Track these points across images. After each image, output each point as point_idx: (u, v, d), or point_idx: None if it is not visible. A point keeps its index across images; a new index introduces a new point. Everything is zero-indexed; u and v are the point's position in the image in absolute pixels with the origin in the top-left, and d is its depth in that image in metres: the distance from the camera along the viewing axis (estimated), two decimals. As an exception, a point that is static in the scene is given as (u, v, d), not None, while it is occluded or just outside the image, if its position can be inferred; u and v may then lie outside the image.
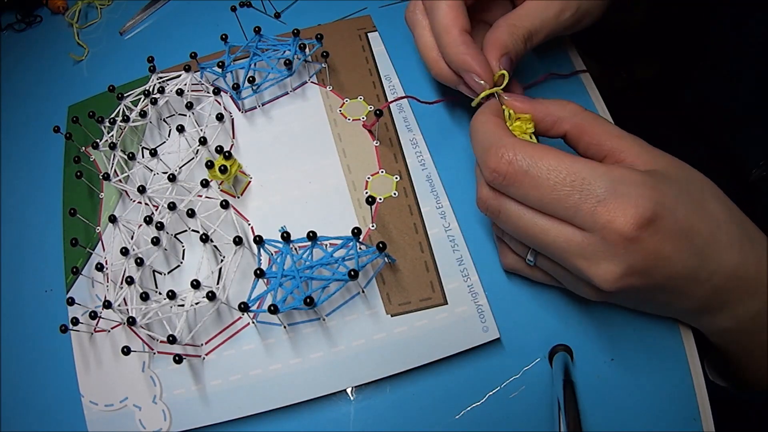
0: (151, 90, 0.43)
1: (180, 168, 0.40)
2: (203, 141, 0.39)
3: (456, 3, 0.33)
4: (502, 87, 0.33)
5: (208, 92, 0.43)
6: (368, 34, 0.45)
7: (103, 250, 0.39)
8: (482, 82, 0.32)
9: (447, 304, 0.34)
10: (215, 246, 0.37)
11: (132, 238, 0.37)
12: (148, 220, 0.36)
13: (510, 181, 0.27)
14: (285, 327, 0.34)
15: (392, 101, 0.40)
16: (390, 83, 0.43)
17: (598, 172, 0.26)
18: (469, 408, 0.32)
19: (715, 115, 0.46)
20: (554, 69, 0.42)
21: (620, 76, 0.63)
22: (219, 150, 0.37)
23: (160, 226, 0.36)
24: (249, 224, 0.38)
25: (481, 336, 0.33)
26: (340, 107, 0.42)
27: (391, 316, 0.34)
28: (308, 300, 0.31)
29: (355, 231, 0.33)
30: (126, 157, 0.40)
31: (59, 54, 0.51)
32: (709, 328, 0.32)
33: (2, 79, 0.51)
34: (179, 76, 0.43)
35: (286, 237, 0.34)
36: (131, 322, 0.33)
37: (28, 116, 0.48)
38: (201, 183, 0.37)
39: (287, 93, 0.43)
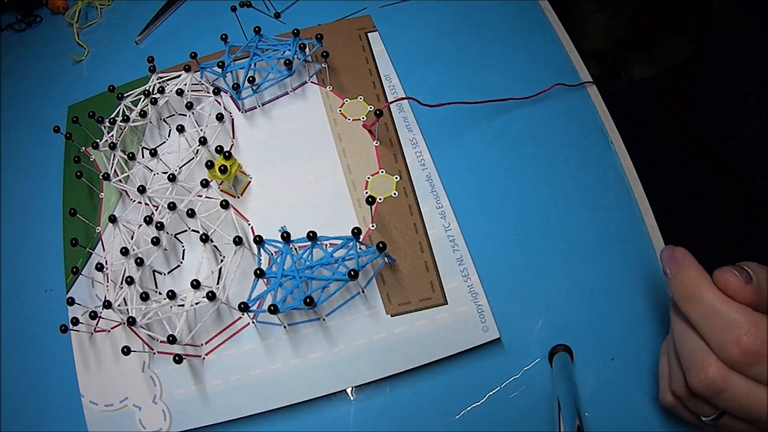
0: (151, 90, 0.43)
1: (180, 168, 0.40)
2: (203, 141, 0.39)
3: None
4: None
5: (208, 92, 0.43)
6: (368, 34, 0.45)
7: (103, 250, 0.39)
8: None
9: (447, 304, 0.34)
10: (215, 246, 0.37)
11: (132, 238, 0.37)
12: (148, 220, 0.36)
13: (756, 358, 0.26)
14: (285, 327, 0.34)
15: (392, 102, 0.40)
16: (390, 83, 0.43)
17: None
18: (469, 408, 0.32)
19: (712, 119, 0.46)
20: (561, 78, 0.42)
21: (620, 76, 0.63)
22: (219, 150, 0.37)
23: (160, 226, 0.36)
24: (249, 224, 0.38)
25: (481, 336, 0.33)
26: (340, 107, 0.42)
27: (391, 316, 0.34)
28: (308, 300, 0.31)
29: (355, 231, 0.33)
30: (126, 157, 0.40)
31: (59, 54, 0.51)
32: None
33: (2, 79, 0.51)
34: (179, 76, 0.43)
35: (286, 237, 0.34)
36: (131, 322, 0.33)
37: (28, 116, 0.48)
38: (201, 183, 0.37)
39: (287, 93, 0.43)
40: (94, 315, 0.34)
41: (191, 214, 0.35)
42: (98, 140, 0.41)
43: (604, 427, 0.32)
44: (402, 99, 0.40)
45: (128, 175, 0.40)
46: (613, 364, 0.33)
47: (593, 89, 0.42)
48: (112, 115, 0.42)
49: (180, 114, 0.43)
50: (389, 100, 0.41)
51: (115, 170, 0.40)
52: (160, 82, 0.43)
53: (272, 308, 0.31)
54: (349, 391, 0.33)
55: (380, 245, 0.32)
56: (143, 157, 0.41)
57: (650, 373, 0.33)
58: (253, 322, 0.35)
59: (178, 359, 0.31)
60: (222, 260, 0.36)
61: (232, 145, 0.41)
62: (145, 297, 0.34)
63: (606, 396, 0.32)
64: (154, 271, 0.37)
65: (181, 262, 0.37)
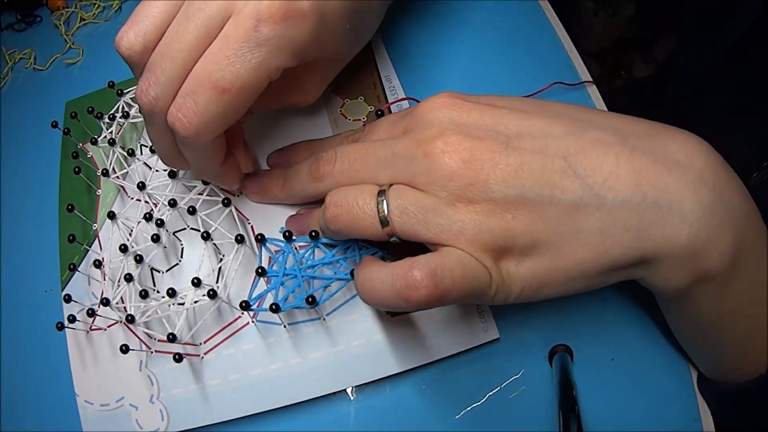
0: (150, 87, 0.42)
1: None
2: (203, 139, 0.38)
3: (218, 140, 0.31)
4: None
5: (208, 90, 0.43)
6: (369, 33, 0.45)
7: (100, 247, 0.39)
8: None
9: (448, 303, 0.34)
10: (215, 244, 0.37)
11: (131, 235, 0.37)
12: (148, 217, 0.36)
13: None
14: (285, 326, 0.34)
15: (393, 102, 0.40)
16: (390, 83, 0.42)
17: None
18: (469, 408, 0.32)
19: (710, 112, 0.46)
20: (560, 78, 0.42)
21: (619, 76, 0.63)
22: (219, 148, 0.37)
23: (160, 223, 0.36)
24: (249, 223, 0.38)
25: (481, 336, 0.33)
26: (341, 107, 0.42)
27: (392, 316, 0.34)
28: (310, 299, 0.30)
29: (357, 230, 0.33)
30: (125, 153, 0.40)
31: (59, 53, 0.51)
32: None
33: (2, 79, 0.51)
34: (179, 73, 0.43)
35: (287, 236, 0.34)
36: (130, 320, 0.33)
37: (27, 114, 0.48)
38: (202, 180, 0.37)
39: (287, 91, 0.43)
40: (91, 312, 0.34)
41: (192, 211, 0.35)
42: (97, 136, 0.40)
43: (604, 427, 0.32)
44: (402, 99, 0.40)
45: (127, 172, 0.40)
46: (613, 364, 0.33)
47: (593, 89, 0.42)
48: (112, 111, 0.42)
49: (179, 111, 0.43)
50: (389, 101, 0.41)
51: (113, 167, 0.40)
52: (159, 79, 0.43)
53: (274, 307, 0.31)
54: (349, 391, 0.33)
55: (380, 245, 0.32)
56: (142, 153, 0.41)
57: (650, 373, 0.33)
58: (253, 321, 0.35)
59: (178, 358, 0.31)
60: (222, 258, 0.36)
61: (231, 143, 0.41)
62: (144, 295, 0.33)
63: (606, 396, 0.32)
64: (152, 268, 0.37)
65: (180, 260, 0.37)
